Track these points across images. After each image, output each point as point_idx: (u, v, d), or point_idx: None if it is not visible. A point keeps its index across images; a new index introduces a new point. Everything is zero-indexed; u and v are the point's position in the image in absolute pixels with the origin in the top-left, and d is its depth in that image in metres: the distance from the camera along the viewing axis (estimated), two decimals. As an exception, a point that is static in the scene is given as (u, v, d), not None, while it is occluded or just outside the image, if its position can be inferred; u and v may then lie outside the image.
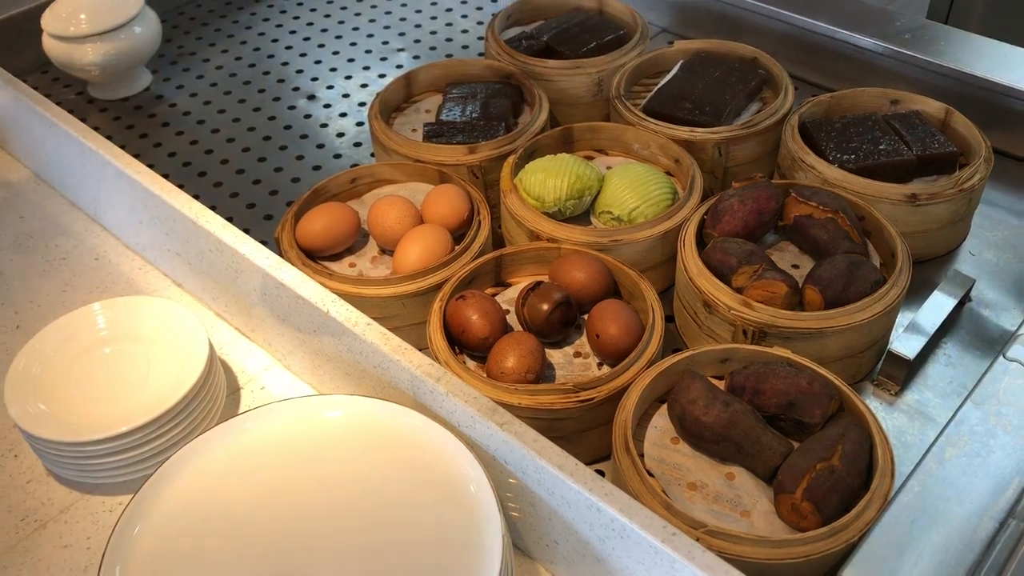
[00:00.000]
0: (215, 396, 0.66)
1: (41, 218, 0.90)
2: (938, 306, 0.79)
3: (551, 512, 0.54)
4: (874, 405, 0.76)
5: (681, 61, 1.02)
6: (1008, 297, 0.83)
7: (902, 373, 0.76)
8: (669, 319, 0.83)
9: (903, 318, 0.81)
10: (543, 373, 0.71)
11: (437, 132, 0.94)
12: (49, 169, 0.91)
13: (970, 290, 0.82)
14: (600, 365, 0.74)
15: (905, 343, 0.77)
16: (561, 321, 0.74)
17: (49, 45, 1.11)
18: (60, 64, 1.12)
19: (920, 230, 0.85)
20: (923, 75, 1.01)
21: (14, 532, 0.61)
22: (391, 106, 1.00)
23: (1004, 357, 0.69)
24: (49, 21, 1.10)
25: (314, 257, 0.82)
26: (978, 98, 0.97)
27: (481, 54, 1.18)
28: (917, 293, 0.82)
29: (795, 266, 0.82)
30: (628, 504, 0.49)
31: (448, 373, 0.60)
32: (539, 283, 0.76)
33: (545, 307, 0.74)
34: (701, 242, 0.81)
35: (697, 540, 0.55)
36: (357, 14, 1.31)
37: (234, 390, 0.71)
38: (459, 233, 0.84)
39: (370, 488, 0.55)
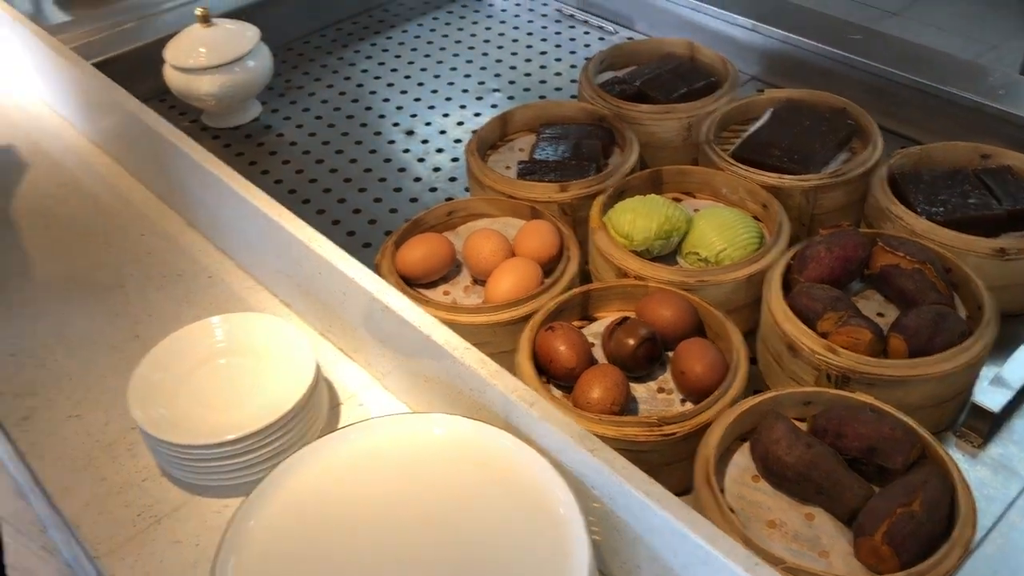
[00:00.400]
0: (319, 410, 0.70)
1: (160, 236, 0.96)
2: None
3: (636, 537, 0.56)
4: (956, 456, 0.76)
5: (771, 109, 1.05)
6: (1098, 356, 0.83)
7: (986, 426, 0.77)
8: (752, 360, 0.84)
9: (988, 371, 0.81)
10: (627, 406, 0.74)
11: (530, 170, 0.98)
12: (168, 190, 0.98)
13: (1059, 346, 0.82)
14: (683, 401, 0.76)
15: (990, 396, 0.77)
16: (646, 356, 0.77)
17: (169, 75, 1.19)
18: (178, 93, 1.20)
19: (1008, 284, 0.85)
20: (1016, 131, 1.01)
21: (131, 526, 0.66)
22: (487, 143, 1.05)
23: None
24: (171, 53, 1.18)
25: (411, 284, 0.86)
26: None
27: (574, 97, 1.22)
28: (1004, 347, 0.82)
29: (880, 314, 0.83)
30: (713, 532, 0.51)
31: (540, 399, 0.63)
32: (626, 318, 0.78)
33: (631, 342, 0.76)
34: (787, 286, 0.83)
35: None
36: (455, 55, 1.36)
37: (334, 405, 0.75)
38: (549, 267, 0.87)
39: (464, 503, 0.59)
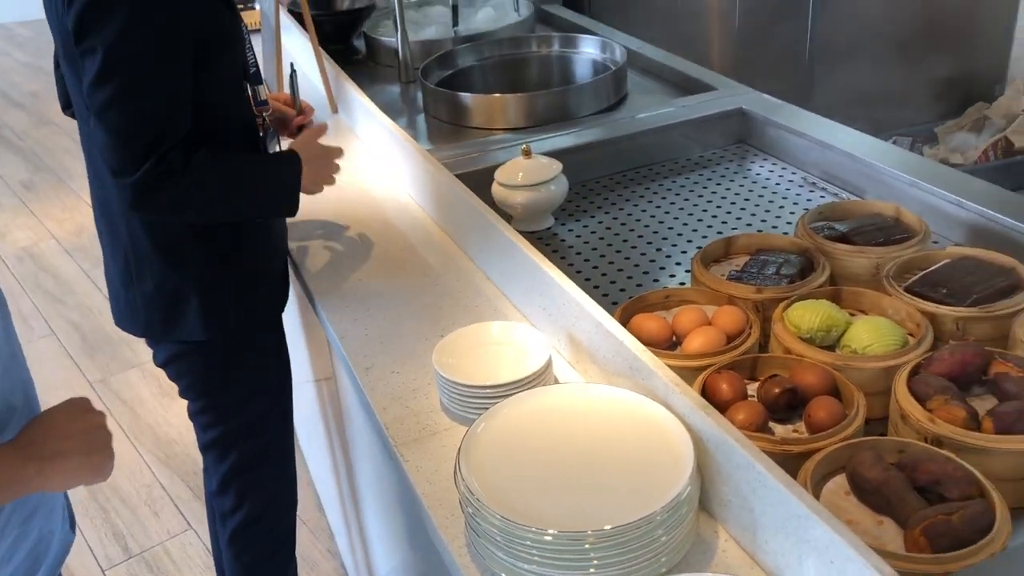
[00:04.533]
0: (546, 380, 1.06)
1: (472, 292, 1.38)
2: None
3: (727, 474, 0.84)
4: (1031, 525, 0.94)
5: (948, 260, 1.29)
6: None
7: (1064, 506, 0.94)
8: (881, 434, 1.07)
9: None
10: (763, 429, 1.01)
11: (738, 277, 1.30)
12: (479, 253, 1.40)
13: None
14: (808, 438, 1.02)
15: (1071, 484, 0.95)
16: (785, 402, 1.04)
17: (495, 189, 1.65)
18: (499, 202, 1.65)
19: (1117, 411, 1.02)
20: None
21: (418, 431, 1.04)
22: (711, 257, 1.38)
23: None
24: (500, 174, 1.64)
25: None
26: None
27: (787, 234, 1.52)
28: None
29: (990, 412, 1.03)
30: (778, 471, 0.79)
31: (690, 389, 0.93)
32: (776, 375, 1.07)
33: (776, 390, 1.04)
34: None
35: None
36: (721, 197, 1.72)
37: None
38: (735, 340, 1.17)
39: (620, 436, 0.91)
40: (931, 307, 1.18)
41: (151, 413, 2.93)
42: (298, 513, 1.81)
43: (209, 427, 1.59)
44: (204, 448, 1.64)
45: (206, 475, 1.71)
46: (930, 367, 1.06)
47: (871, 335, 1.12)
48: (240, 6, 2.96)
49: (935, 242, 1.44)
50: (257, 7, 2.75)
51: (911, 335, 1.16)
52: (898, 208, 1.43)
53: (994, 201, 1.43)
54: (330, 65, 2.09)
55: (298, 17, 2.36)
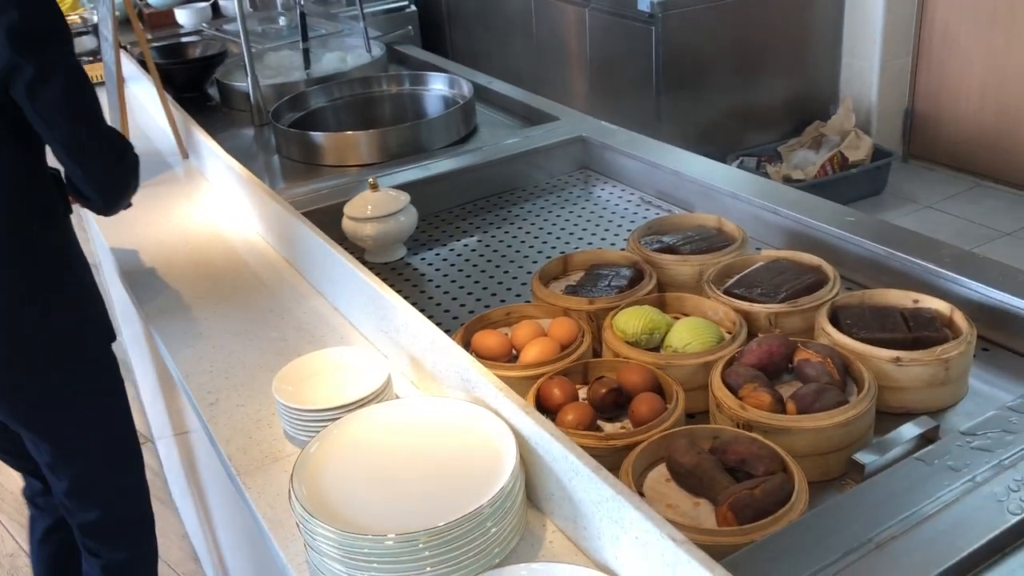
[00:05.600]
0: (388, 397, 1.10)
1: (319, 323, 1.41)
2: (901, 434, 1.07)
3: (549, 469, 0.90)
4: (833, 495, 1.03)
5: (762, 262, 1.39)
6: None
7: (859, 476, 1.04)
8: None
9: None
10: (591, 428, 1.08)
11: (573, 291, 1.37)
12: (339, 298, 1.44)
13: (935, 431, 1.08)
14: (634, 433, 1.09)
15: (865, 455, 1.05)
16: (612, 402, 1.11)
17: (346, 223, 1.69)
18: (349, 235, 1.69)
19: (905, 386, 1.13)
20: (951, 287, 1.30)
21: (261, 459, 1.06)
22: (550, 275, 1.45)
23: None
24: (349, 208, 1.68)
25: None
26: (985, 306, 1.26)
27: (623, 249, 1.61)
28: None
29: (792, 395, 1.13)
30: (591, 462, 0.85)
31: (520, 399, 0.99)
32: (603, 377, 1.14)
33: (603, 390, 1.11)
34: (729, 371, 1.15)
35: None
36: (565, 221, 1.80)
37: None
38: (569, 349, 1.23)
39: (450, 442, 0.96)
40: (745, 305, 1.27)
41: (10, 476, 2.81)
42: (173, 566, 1.78)
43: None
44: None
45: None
46: (742, 359, 1.15)
47: (690, 335, 1.20)
48: (89, 59, 2.94)
49: (758, 248, 1.55)
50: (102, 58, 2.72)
51: (728, 332, 1.26)
52: (719, 219, 1.54)
53: (804, 208, 1.56)
54: (178, 112, 2.10)
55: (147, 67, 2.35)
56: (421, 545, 0.85)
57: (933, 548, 0.87)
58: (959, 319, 1.19)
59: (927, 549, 0.87)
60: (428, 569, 0.86)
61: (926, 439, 1.08)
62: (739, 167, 3.58)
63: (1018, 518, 0.89)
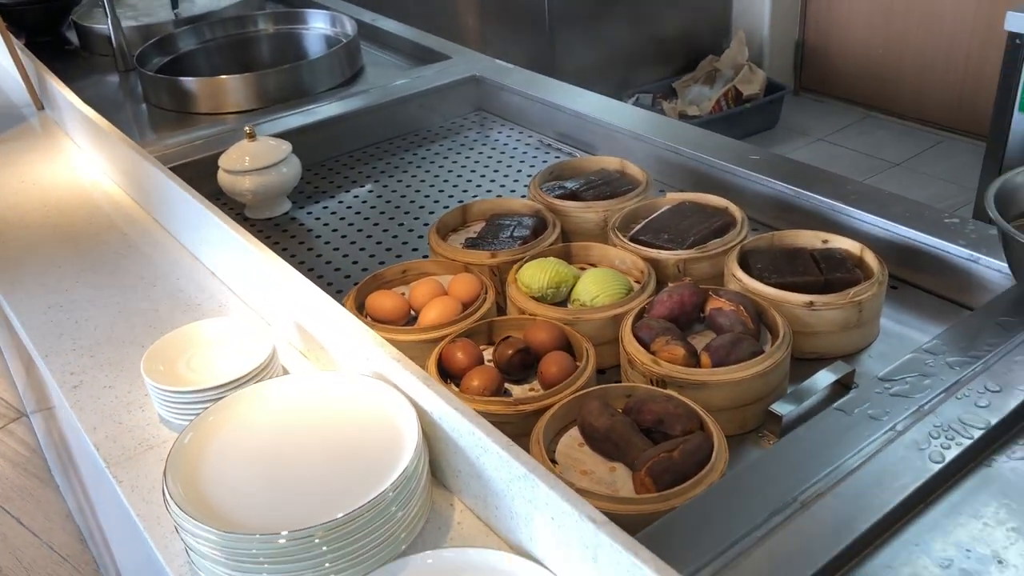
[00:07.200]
0: (272, 373, 1.00)
1: (195, 290, 1.29)
2: (816, 382, 1.03)
3: (456, 447, 0.82)
4: (752, 450, 1.00)
5: (668, 206, 1.33)
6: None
7: (777, 427, 1.00)
8: (617, 382, 1.09)
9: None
10: (498, 392, 1.00)
11: (473, 244, 1.28)
12: (216, 261, 1.31)
13: (850, 376, 1.05)
14: (544, 396, 1.02)
15: (782, 406, 1.01)
16: (519, 363, 1.04)
17: (221, 177, 1.55)
18: (227, 191, 1.55)
19: (818, 331, 1.10)
20: (859, 224, 1.27)
21: (133, 448, 0.95)
22: (449, 227, 1.36)
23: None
24: (223, 160, 1.54)
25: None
26: (893, 243, 1.23)
27: (524, 197, 1.53)
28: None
29: (706, 347, 1.08)
30: (493, 432, 0.77)
31: (418, 368, 0.90)
32: (509, 337, 1.06)
33: (509, 351, 1.04)
34: (640, 323, 1.09)
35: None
36: (460, 166, 1.70)
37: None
38: (472, 307, 1.15)
39: (347, 419, 0.87)
40: (653, 253, 1.21)
41: None
42: (58, 549, 1.65)
43: None
44: None
45: None
46: (652, 311, 1.09)
47: (598, 286, 1.14)
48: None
49: (662, 191, 1.49)
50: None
51: (637, 282, 1.20)
52: (623, 162, 1.47)
53: (707, 147, 1.50)
54: (28, 59, 1.89)
55: (-10, 8, 2.12)
56: (318, 540, 0.76)
57: (859, 504, 0.83)
58: (870, 259, 1.16)
59: (853, 505, 0.83)
60: (327, 565, 0.77)
61: (842, 385, 1.04)
62: (635, 104, 3.52)
63: (940, 466, 0.87)
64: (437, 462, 0.88)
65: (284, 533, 0.76)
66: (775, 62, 4.13)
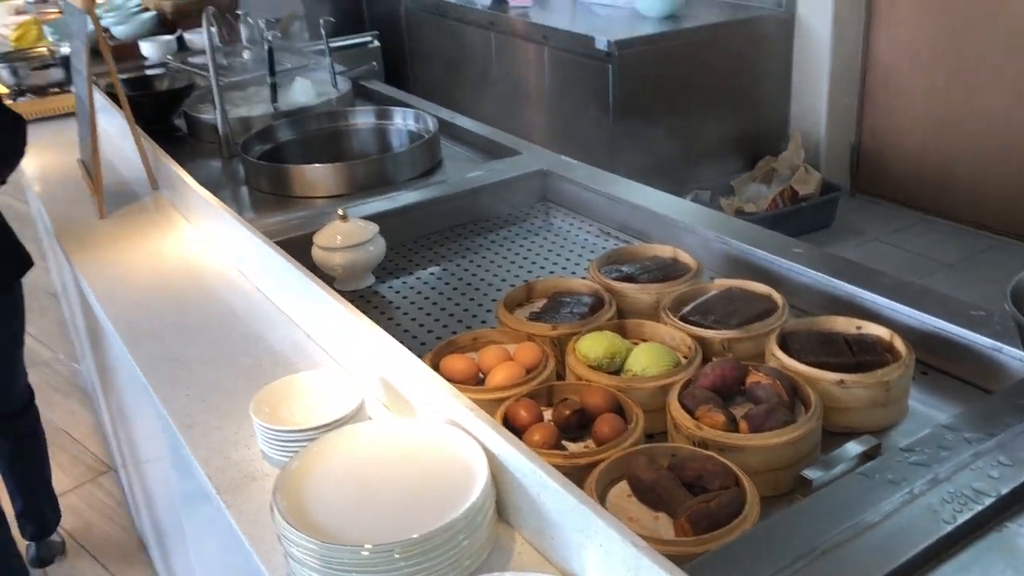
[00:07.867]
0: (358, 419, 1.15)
1: (292, 349, 1.46)
2: (845, 451, 1.14)
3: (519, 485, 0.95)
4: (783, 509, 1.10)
5: (715, 291, 1.47)
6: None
7: (807, 491, 1.11)
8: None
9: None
10: (556, 447, 1.14)
11: (537, 317, 1.43)
12: (312, 325, 1.48)
13: (876, 448, 1.16)
14: (597, 452, 1.15)
15: (813, 472, 1.12)
16: (576, 423, 1.17)
17: (316, 252, 1.73)
18: (319, 264, 1.74)
19: (849, 407, 1.21)
20: (891, 314, 1.39)
21: (240, 479, 1.10)
22: (515, 302, 1.51)
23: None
24: (318, 238, 1.73)
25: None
26: (924, 332, 1.34)
27: (584, 278, 1.68)
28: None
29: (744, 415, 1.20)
30: (562, 480, 0.90)
31: (491, 419, 1.04)
32: (567, 399, 1.20)
33: (567, 412, 1.17)
34: (686, 393, 1.22)
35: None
36: (527, 250, 1.86)
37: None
38: (534, 372, 1.29)
39: (424, 462, 1.01)
40: (700, 331, 1.35)
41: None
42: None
43: None
44: None
45: None
46: (698, 382, 1.22)
47: (649, 359, 1.27)
48: (56, 90, 2.97)
49: (712, 278, 1.63)
50: (73, 90, 2.75)
51: (685, 357, 1.33)
52: (675, 250, 1.61)
53: (754, 239, 1.64)
54: (148, 142, 2.13)
55: (115, 99, 2.38)
56: (396, 555, 0.90)
57: (875, 555, 0.93)
58: (899, 344, 1.27)
59: (869, 556, 0.93)
60: (404, 579, 0.91)
61: (868, 456, 1.15)
62: (694, 200, 3.69)
63: (952, 527, 0.97)
64: (502, 500, 1.01)
65: (368, 546, 0.89)
66: (831, 164, 4.27)
